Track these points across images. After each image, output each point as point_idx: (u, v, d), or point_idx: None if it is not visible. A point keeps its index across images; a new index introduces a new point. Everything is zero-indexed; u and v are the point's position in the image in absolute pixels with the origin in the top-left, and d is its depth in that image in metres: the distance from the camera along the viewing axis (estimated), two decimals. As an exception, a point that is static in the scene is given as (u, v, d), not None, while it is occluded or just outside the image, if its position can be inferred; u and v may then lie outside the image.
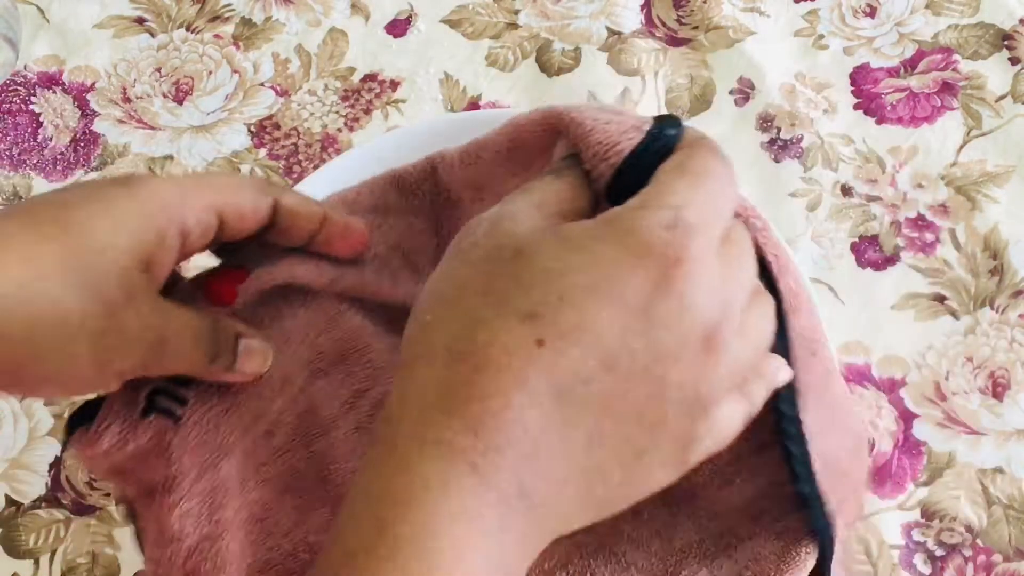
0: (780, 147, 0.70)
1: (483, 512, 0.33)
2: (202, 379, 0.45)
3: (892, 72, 0.73)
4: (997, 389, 0.63)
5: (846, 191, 0.69)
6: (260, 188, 0.45)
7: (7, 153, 0.73)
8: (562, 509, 0.35)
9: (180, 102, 0.74)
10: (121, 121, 0.73)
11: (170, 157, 0.72)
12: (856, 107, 0.72)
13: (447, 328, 0.35)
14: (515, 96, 0.73)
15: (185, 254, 0.44)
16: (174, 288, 0.47)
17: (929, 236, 0.67)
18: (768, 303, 0.39)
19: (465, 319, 0.35)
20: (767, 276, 0.41)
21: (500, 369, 0.33)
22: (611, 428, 0.34)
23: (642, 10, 0.76)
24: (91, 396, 0.46)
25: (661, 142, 0.39)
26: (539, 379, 0.33)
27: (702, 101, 0.72)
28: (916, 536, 0.60)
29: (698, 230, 0.35)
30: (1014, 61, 0.72)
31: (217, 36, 0.76)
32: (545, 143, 0.45)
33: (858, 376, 0.64)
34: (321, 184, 0.60)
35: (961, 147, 0.70)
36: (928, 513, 0.60)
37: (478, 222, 0.38)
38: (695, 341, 0.35)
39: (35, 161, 0.72)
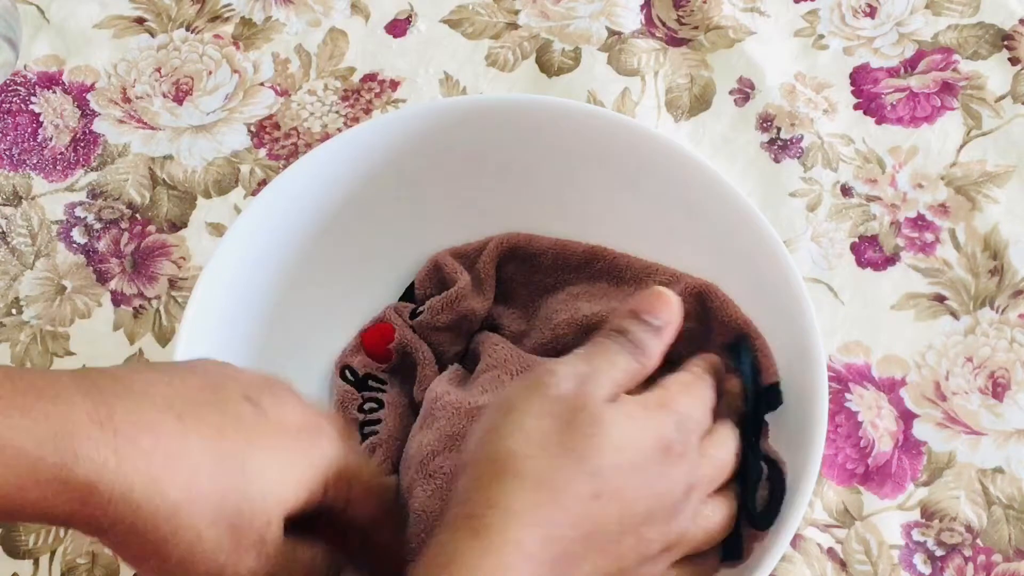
0: (780, 147, 0.70)
1: None
2: None
3: (892, 72, 0.73)
4: (997, 389, 0.63)
5: (846, 191, 0.69)
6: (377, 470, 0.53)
7: (7, 153, 0.73)
8: None
9: (180, 102, 0.74)
10: (121, 121, 0.73)
11: (170, 157, 0.72)
12: (856, 107, 0.72)
13: (535, 463, 0.44)
14: (515, 96, 0.73)
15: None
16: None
17: (929, 236, 0.67)
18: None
19: (550, 460, 0.44)
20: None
21: (567, 507, 0.43)
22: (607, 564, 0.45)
23: (642, 10, 0.76)
24: None
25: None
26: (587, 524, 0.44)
27: (702, 101, 0.72)
28: (916, 536, 0.60)
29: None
30: (1014, 61, 0.72)
31: (217, 36, 0.76)
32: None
33: (858, 376, 0.64)
34: (310, 168, 0.61)
35: (961, 147, 0.70)
36: (928, 513, 0.60)
37: (564, 375, 0.47)
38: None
39: (35, 161, 0.72)
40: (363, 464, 0.49)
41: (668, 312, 0.50)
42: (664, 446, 0.47)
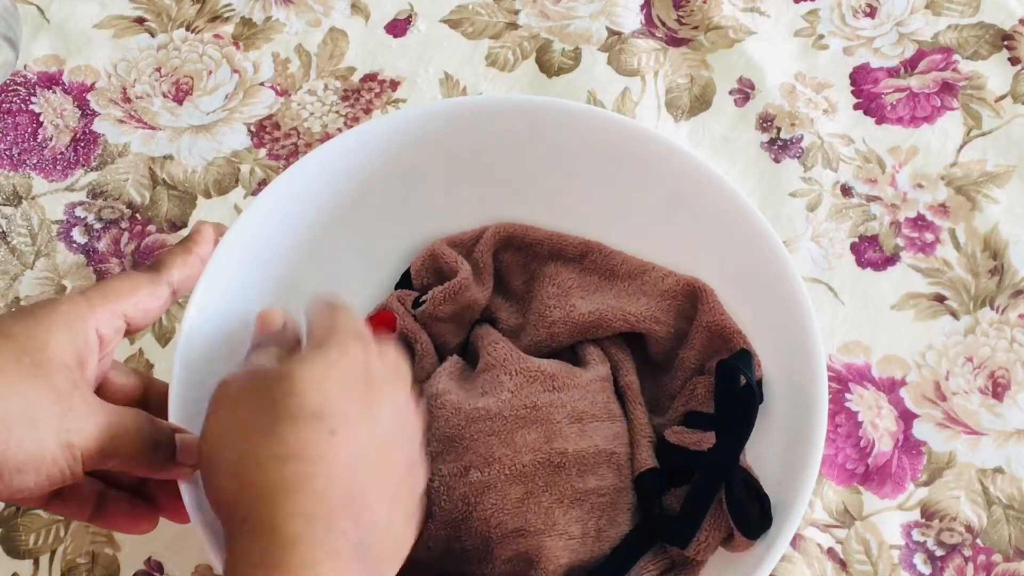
0: (780, 147, 0.70)
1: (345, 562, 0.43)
2: (156, 474, 0.51)
3: (892, 72, 0.73)
4: (997, 389, 0.63)
5: (846, 191, 0.69)
6: (152, 279, 0.53)
7: (7, 153, 0.73)
8: (385, 549, 0.46)
9: (180, 102, 0.74)
10: (121, 121, 0.73)
11: (170, 157, 0.72)
12: (856, 107, 0.72)
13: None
14: (515, 96, 0.73)
15: (105, 353, 0.51)
16: None
17: (929, 236, 0.67)
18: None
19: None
20: None
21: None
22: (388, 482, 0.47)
23: (642, 10, 0.76)
24: None
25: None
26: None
27: (702, 101, 0.72)
28: (916, 536, 0.60)
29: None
30: (1014, 61, 0.72)
31: (217, 36, 0.76)
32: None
33: (858, 376, 0.64)
34: (311, 168, 0.61)
35: (961, 147, 0.70)
36: (928, 513, 0.60)
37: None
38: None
39: (35, 161, 0.72)
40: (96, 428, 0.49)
41: (277, 316, 0.54)
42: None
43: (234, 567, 0.42)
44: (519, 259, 0.64)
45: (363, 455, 0.46)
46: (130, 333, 0.52)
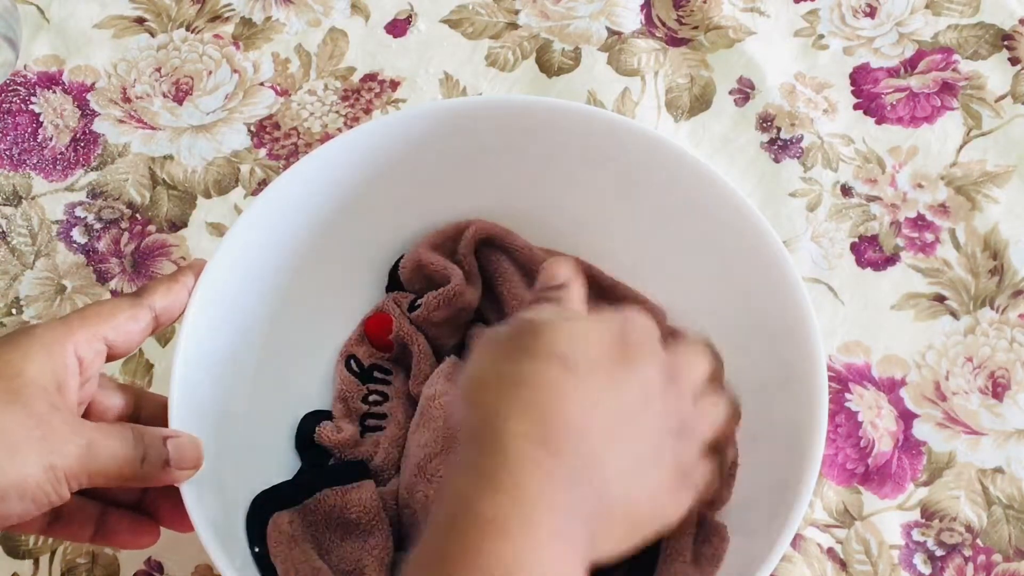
0: (780, 147, 0.70)
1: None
2: (150, 484, 0.51)
3: (892, 72, 0.73)
4: (997, 389, 0.63)
5: (846, 191, 0.69)
6: (133, 303, 0.53)
7: (7, 153, 0.73)
8: (610, 523, 0.44)
9: (180, 102, 0.74)
10: (121, 121, 0.73)
11: (170, 157, 0.72)
12: (856, 107, 0.72)
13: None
14: (515, 96, 0.73)
15: (87, 376, 0.51)
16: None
17: (929, 236, 0.67)
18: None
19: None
20: None
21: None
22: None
23: (642, 10, 0.76)
24: None
25: None
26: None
27: (702, 101, 0.72)
28: (916, 536, 0.60)
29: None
30: (1014, 61, 0.72)
31: (217, 36, 0.76)
32: None
33: (858, 376, 0.64)
34: (311, 168, 0.61)
35: (961, 147, 0.70)
36: (928, 513, 0.60)
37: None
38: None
39: (35, 161, 0.72)
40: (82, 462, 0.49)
41: (563, 270, 0.50)
42: (622, 341, 0.46)
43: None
44: (493, 260, 0.64)
45: (598, 411, 0.44)
46: (113, 358, 0.52)
